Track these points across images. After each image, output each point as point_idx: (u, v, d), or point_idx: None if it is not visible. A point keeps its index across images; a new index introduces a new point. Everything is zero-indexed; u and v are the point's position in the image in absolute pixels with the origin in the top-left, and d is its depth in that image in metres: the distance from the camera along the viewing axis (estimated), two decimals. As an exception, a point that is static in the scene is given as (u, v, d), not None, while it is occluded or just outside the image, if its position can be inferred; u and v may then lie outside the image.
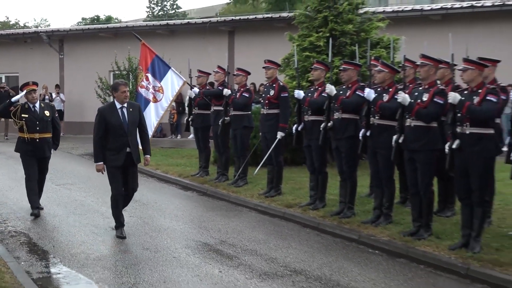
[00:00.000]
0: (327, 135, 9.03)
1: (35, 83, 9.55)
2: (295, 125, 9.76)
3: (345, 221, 8.76)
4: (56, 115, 9.79)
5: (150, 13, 52.20)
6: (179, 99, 19.47)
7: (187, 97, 13.06)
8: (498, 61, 8.14)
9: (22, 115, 9.23)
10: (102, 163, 8.28)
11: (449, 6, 19.44)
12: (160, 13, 51.10)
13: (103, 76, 21.08)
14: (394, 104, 7.90)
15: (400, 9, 19.68)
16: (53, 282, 6.78)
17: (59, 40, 25.27)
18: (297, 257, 7.54)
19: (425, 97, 7.60)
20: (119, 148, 8.18)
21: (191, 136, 17.82)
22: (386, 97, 8.15)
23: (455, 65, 7.73)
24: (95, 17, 51.61)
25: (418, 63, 8.03)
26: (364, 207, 9.24)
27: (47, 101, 19.59)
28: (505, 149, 7.49)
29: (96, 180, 13.34)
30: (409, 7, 20.41)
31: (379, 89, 8.38)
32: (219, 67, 12.43)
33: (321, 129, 9.05)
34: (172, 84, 12.59)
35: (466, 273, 6.73)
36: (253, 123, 11.71)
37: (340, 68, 9.26)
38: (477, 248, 7.08)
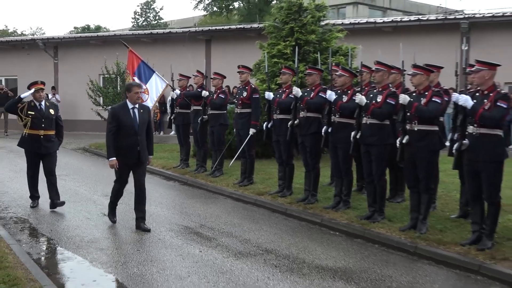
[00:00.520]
0: (293, 131, 9.05)
1: (43, 83, 9.01)
2: (266, 123, 9.76)
3: (309, 206, 8.80)
4: (59, 113, 9.23)
5: (135, 23, 51.63)
6: (162, 99, 19.30)
7: (170, 98, 13.04)
8: (442, 67, 8.26)
9: (29, 112, 8.74)
10: (115, 158, 7.69)
11: (399, 19, 19.69)
12: (144, 23, 50.58)
13: (93, 79, 20.83)
14: (352, 104, 7.96)
15: (357, 22, 19.83)
16: (52, 262, 6.72)
17: (54, 46, 24.92)
18: (267, 238, 7.58)
19: (379, 98, 7.68)
20: (129, 147, 7.69)
21: (173, 132, 17.75)
22: (345, 98, 8.21)
23: (405, 70, 7.81)
24: (86, 26, 50.98)
25: (373, 68, 8.07)
26: (326, 195, 9.29)
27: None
28: (447, 143, 7.59)
29: (87, 172, 13.28)
30: (364, 20, 20.61)
31: (339, 91, 8.43)
32: (198, 71, 12.41)
33: (288, 126, 9.07)
34: (156, 86, 12.49)
35: (414, 251, 6.81)
36: (228, 121, 11.69)
37: (305, 72, 9.30)
38: (423, 229, 7.17)
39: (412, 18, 19.69)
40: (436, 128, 7.21)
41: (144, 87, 12.49)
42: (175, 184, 11.62)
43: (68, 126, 23.61)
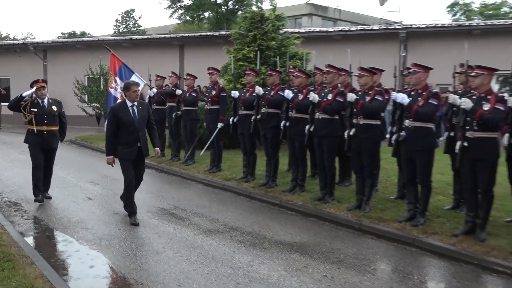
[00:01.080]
0: (256, 125, 9.06)
1: (44, 81, 8.41)
2: (232, 118, 9.74)
3: (269, 190, 8.83)
4: (63, 110, 8.58)
5: (117, 29, 50.79)
6: (141, 97, 19.05)
7: (148, 96, 12.87)
8: (383, 70, 8.36)
9: (32, 109, 8.12)
10: (112, 156, 7.13)
11: (347, 29, 19.82)
12: (125, 30, 49.79)
13: (79, 79, 20.52)
14: (306, 101, 8.00)
15: (311, 30, 19.93)
16: (42, 239, 6.58)
17: (43, 50, 24.29)
18: (233, 218, 7.58)
19: (329, 97, 7.73)
20: (131, 143, 7.07)
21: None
22: (301, 96, 8.23)
23: (352, 72, 7.91)
24: (72, 32, 49.99)
25: (324, 71, 8.11)
26: (284, 180, 9.33)
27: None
28: (387, 135, 7.70)
29: (74, 161, 13.03)
30: (318, 29, 20.73)
31: (295, 90, 8.46)
32: (172, 72, 12.31)
33: (251, 120, 9.08)
34: (135, 85, 12.35)
35: (359, 227, 6.91)
36: (199, 116, 11.62)
37: (266, 74, 9.32)
38: (367, 208, 7.29)
39: (359, 28, 19.86)
40: (378, 122, 7.30)
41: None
42: (152, 172, 11.51)
43: (56, 121, 23.34)
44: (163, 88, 12.75)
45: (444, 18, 46.43)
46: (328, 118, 7.76)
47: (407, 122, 6.65)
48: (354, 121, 7.25)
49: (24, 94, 8.14)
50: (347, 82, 8.08)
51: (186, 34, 23.06)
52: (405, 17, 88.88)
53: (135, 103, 7.15)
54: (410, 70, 6.97)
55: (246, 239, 6.53)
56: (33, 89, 8.17)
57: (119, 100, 12.38)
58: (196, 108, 11.56)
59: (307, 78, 8.55)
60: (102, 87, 19.81)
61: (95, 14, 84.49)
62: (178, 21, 40.14)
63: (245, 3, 34.83)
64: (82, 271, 5.40)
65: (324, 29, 20.57)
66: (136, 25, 51.20)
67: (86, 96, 20.48)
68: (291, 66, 10.22)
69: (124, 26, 50.98)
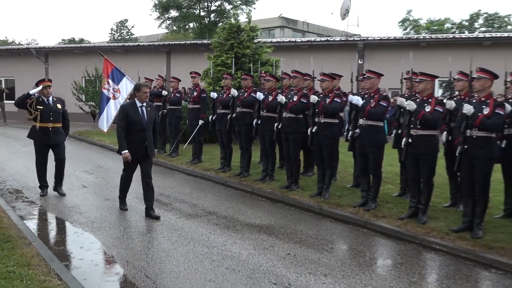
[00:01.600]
0: (232, 122, 9.04)
1: (50, 80, 7.95)
2: (211, 116, 9.69)
3: (243, 179, 8.83)
4: (66, 108, 8.10)
5: (112, 37, 50.01)
6: (131, 97, 18.85)
7: (137, 96, 12.70)
8: (342, 76, 8.43)
9: (37, 107, 7.61)
10: (127, 151, 6.56)
11: (313, 40, 19.88)
12: (119, 37, 49.03)
13: (77, 81, 20.14)
14: (275, 102, 8.00)
15: (281, 40, 19.89)
16: (40, 222, 6.45)
17: (45, 54, 23.73)
18: (211, 203, 7.56)
19: (295, 98, 7.76)
20: (138, 142, 6.58)
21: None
22: (270, 98, 8.22)
23: (315, 77, 7.92)
24: (72, 38, 48.94)
25: (292, 76, 8.15)
26: (256, 170, 9.31)
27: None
28: (345, 133, 7.76)
29: (71, 153, 12.74)
30: (287, 39, 20.73)
31: (266, 92, 8.45)
32: (159, 75, 12.17)
33: (228, 118, 9.05)
34: (126, 87, 12.09)
35: (319, 211, 6.94)
36: (182, 114, 11.52)
37: (241, 78, 9.29)
38: (327, 195, 7.33)
39: (323, 39, 19.96)
40: (337, 121, 7.35)
41: (117, 87, 12.09)
42: (141, 163, 11.37)
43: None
44: (151, 89, 12.58)
45: (396, 32, 46.87)
46: (294, 117, 7.78)
47: (361, 121, 6.71)
48: (316, 119, 7.28)
49: (31, 92, 7.69)
50: (311, 86, 8.09)
51: (173, 42, 22.81)
52: (363, 30, 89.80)
53: (144, 104, 6.65)
54: (365, 76, 7.02)
55: (221, 222, 6.51)
56: (39, 88, 7.74)
57: (111, 100, 12.20)
58: (180, 107, 11.46)
59: (276, 82, 8.54)
60: (97, 88, 19.48)
61: (93, 22, 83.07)
62: (166, 30, 39.81)
63: (225, 15, 34.74)
64: (75, 250, 5.31)
65: (293, 39, 20.60)
66: (129, 33, 50.44)
67: (83, 95, 20.13)
68: (262, 71, 10.21)
69: (118, 34, 50.19)
